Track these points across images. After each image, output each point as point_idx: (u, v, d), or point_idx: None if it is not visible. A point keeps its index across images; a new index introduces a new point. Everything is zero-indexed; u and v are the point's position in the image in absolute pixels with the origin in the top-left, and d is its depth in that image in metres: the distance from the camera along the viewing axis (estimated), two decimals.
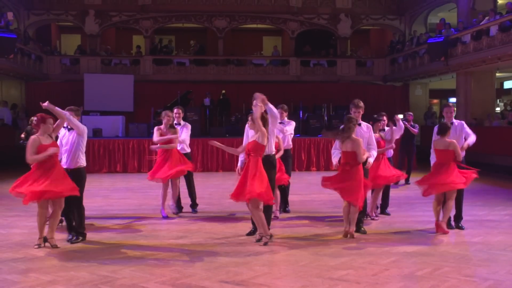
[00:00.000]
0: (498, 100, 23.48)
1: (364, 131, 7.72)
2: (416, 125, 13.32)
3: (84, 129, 7.16)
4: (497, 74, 20.69)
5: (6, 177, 14.40)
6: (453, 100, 25.22)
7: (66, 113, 6.90)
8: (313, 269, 5.86)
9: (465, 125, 8.23)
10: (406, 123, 12.91)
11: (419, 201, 10.59)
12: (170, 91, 21.45)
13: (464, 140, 8.02)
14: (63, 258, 6.38)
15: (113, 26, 25.83)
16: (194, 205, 9.55)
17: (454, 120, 8.16)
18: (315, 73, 24.95)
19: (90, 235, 7.58)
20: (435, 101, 28.91)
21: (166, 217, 8.94)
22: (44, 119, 6.81)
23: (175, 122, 9.29)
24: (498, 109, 22.64)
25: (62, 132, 7.28)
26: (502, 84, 25.61)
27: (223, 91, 22.46)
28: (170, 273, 5.73)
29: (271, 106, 7.00)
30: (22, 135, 9.61)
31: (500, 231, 7.93)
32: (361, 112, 7.74)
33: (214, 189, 11.99)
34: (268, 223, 7.09)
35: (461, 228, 7.97)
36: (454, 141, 7.69)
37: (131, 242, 7.23)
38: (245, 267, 5.94)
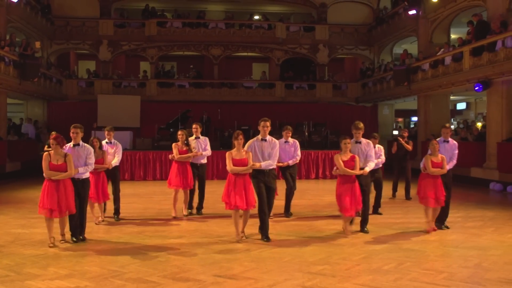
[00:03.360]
0: (452, 119, 23.75)
1: (363, 147, 7.61)
2: (410, 141, 12.30)
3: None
4: (451, 97, 20.91)
5: (30, 184, 14.34)
6: (415, 119, 25.47)
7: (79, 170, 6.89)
8: (295, 264, 5.88)
9: (457, 147, 8.06)
10: (401, 139, 12.13)
11: (385, 205, 10.68)
12: (171, 110, 21.36)
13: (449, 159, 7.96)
14: (78, 255, 6.34)
15: (123, 54, 25.81)
16: (200, 208, 9.84)
17: (449, 139, 8.04)
18: (297, 95, 25.04)
19: (101, 235, 7.57)
20: (400, 119, 29.18)
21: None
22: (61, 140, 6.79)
23: (194, 136, 9.40)
24: (452, 126, 22.86)
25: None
26: (455, 106, 25.98)
27: (219, 110, 22.43)
28: (171, 268, 5.72)
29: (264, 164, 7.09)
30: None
31: (453, 231, 8.03)
32: (361, 132, 7.56)
33: (209, 195, 11.85)
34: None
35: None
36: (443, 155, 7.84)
37: (137, 241, 7.20)
38: (236, 263, 5.95)
